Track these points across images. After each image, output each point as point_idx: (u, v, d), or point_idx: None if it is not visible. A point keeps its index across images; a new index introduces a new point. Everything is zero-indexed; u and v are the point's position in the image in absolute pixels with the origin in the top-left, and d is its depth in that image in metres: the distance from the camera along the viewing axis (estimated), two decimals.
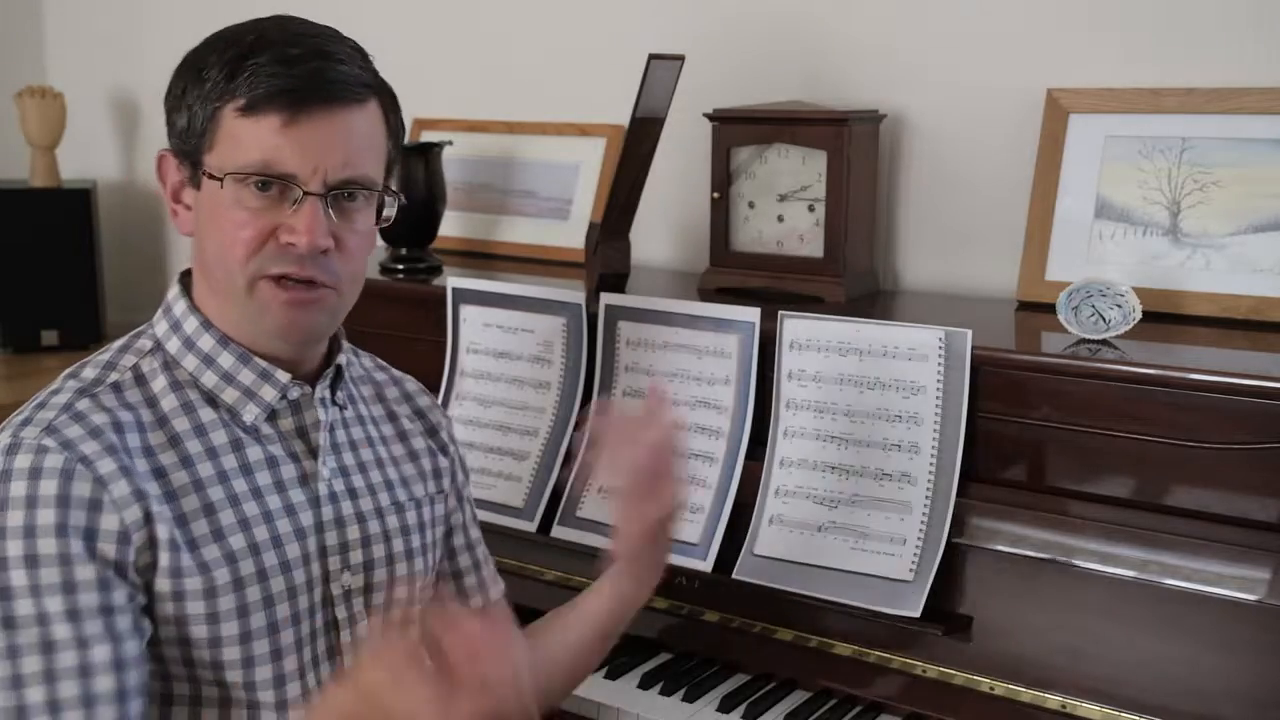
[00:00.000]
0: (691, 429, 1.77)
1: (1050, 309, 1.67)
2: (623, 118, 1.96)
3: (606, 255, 2.01)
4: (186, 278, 1.27)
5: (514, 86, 2.44)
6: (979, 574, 1.56)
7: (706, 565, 1.70)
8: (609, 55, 2.28)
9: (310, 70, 1.16)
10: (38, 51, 3.30)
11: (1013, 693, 1.50)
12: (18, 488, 1.08)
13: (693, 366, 1.78)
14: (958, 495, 1.57)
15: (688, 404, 1.78)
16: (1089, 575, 1.49)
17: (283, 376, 1.23)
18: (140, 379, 1.20)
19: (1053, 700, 1.47)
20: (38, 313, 2.90)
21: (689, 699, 1.60)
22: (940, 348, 1.60)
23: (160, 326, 1.24)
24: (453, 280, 2.00)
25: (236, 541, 1.17)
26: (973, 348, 1.58)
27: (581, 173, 2.32)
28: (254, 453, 1.21)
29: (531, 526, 1.85)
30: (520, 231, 2.37)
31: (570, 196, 2.33)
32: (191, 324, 1.22)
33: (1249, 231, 1.72)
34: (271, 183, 1.15)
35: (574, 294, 1.90)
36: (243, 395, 1.22)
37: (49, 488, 1.08)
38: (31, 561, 1.07)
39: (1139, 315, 1.59)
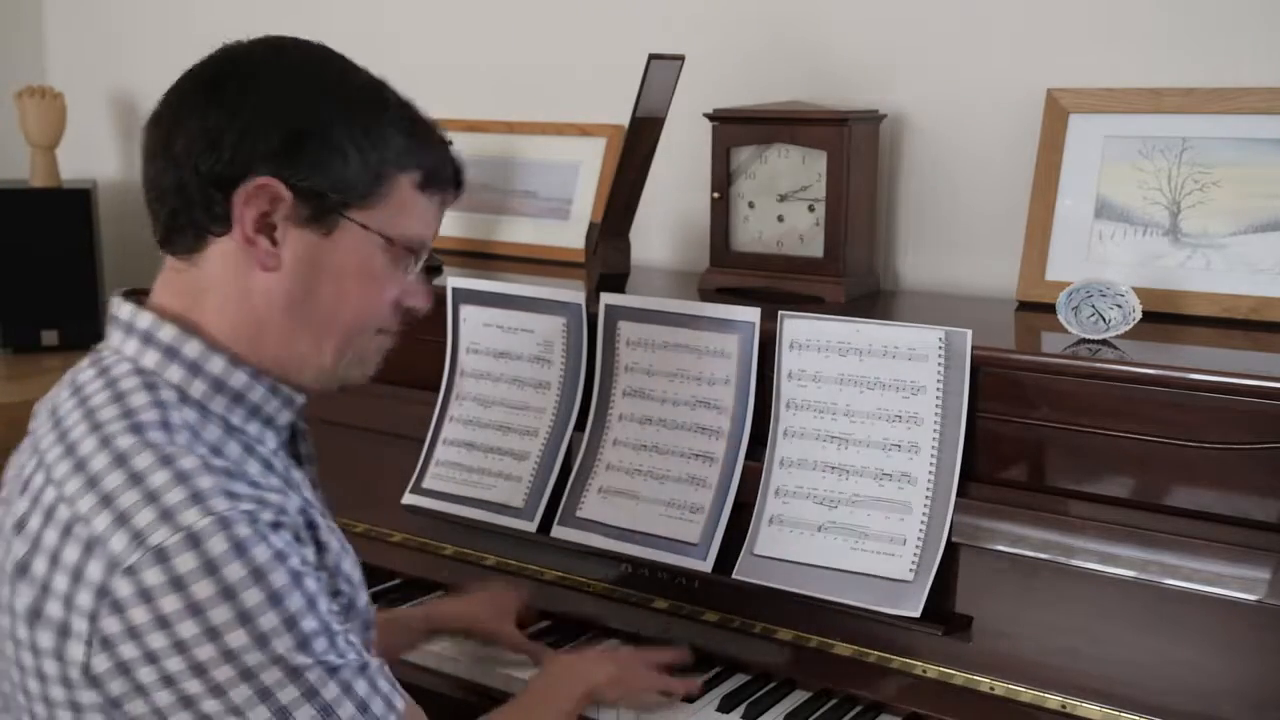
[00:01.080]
0: (691, 429, 1.77)
1: (1050, 309, 1.67)
2: (623, 118, 1.96)
3: (606, 255, 2.01)
4: (137, 303, 1.19)
5: (514, 86, 2.44)
6: (979, 574, 1.56)
7: (706, 565, 1.70)
8: (609, 55, 2.28)
9: (458, 159, 1.26)
10: (38, 51, 3.30)
11: (1013, 693, 1.50)
12: (261, 551, 1.06)
13: (693, 366, 1.78)
14: (958, 495, 1.57)
15: (688, 404, 1.78)
16: (1089, 575, 1.49)
17: (299, 398, 1.23)
18: (196, 435, 1.12)
19: (1053, 700, 1.48)
20: (38, 313, 2.90)
21: (689, 699, 1.60)
22: (940, 348, 1.60)
23: (172, 373, 1.15)
24: (453, 280, 2.00)
25: (348, 566, 1.22)
26: (973, 348, 1.58)
27: (581, 173, 2.32)
28: (296, 477, 1.22)
29: (531, 526, 1.85)
30: (520, 231, 2.37)
31: (570, 196, 2.33)
32: (217, 364, 1.16)
33: (1249, 231, 1.72)
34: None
35: (574, 294, 1.90)
36: (262, 425, 1.20)
37: (278, 541, 1.08)
38: (291, 622, 1.08)
39: (1139, 315, 1.59)
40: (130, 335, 1.16)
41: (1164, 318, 1.71)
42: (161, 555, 1.03)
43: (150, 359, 1.15)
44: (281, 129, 1.13)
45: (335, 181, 1.14)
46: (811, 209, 1.92)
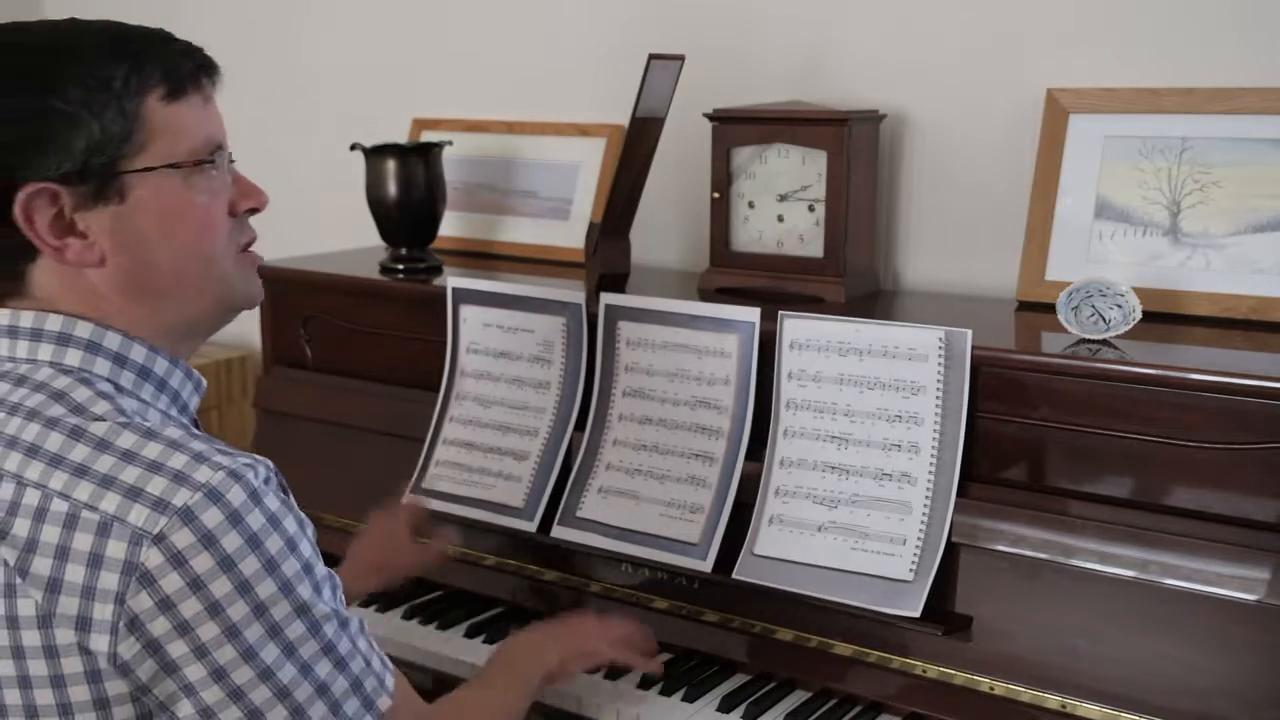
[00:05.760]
0: (691, 429, 1.77)
1: (1050, 309, 1.67)
2: (623, 118, 1.96)
3: (606, 255, 2.01)
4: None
5: (514, 86, 2.44)
6: (979, 574, 1.56)
7: (706, 565, 1.70)
8: (609, 55, 2.28)
9: (190, 46, 1.17)
10: None
11: (1013, 693, 1.50)
12: (271, 500, 1.07)
13: (693, 366, 1.78)
14: (958, 495, 1.58)
15: (688, 404, 1.78)
16: (1088, 575, 1.49)
17: (200, 377, 1.22)
18: (128, 416, 1.10)
19: (1053, 700, 1.48)
20: None
21: (689, 699, 1.60)
22: (940, 348, 1.60)
23: (100, 366, 1.13)
24: (453, 280, 2.00)
25: None
26: (973, 348, 1.58)
27: (581, 173, 2.32)
28: None
29: (531, 526, 1.85)
30: (520, 231, 2.37)
31: (570, 196, 2.33)
32: (139, 351, 1.15)
33: (1249, 231, 1.72)
34: (216, 159, 1.16)
35: (574, 294, 1.90)
36: (179, 412, 1.19)
37: (272, 501, 1.08)
38: (308, 568, 1.10)
39: (1139, 315, 1.59)
40: (40, 340, 1.12)
41: (1164, 318, 1.71)
42: (188, 515, 1.02)
43: (73, 358, 1.12)
44: (7, 135, 1.07)
45: (92, 149, 1.08)
46: (811, 209, 1.92)
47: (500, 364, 1.95)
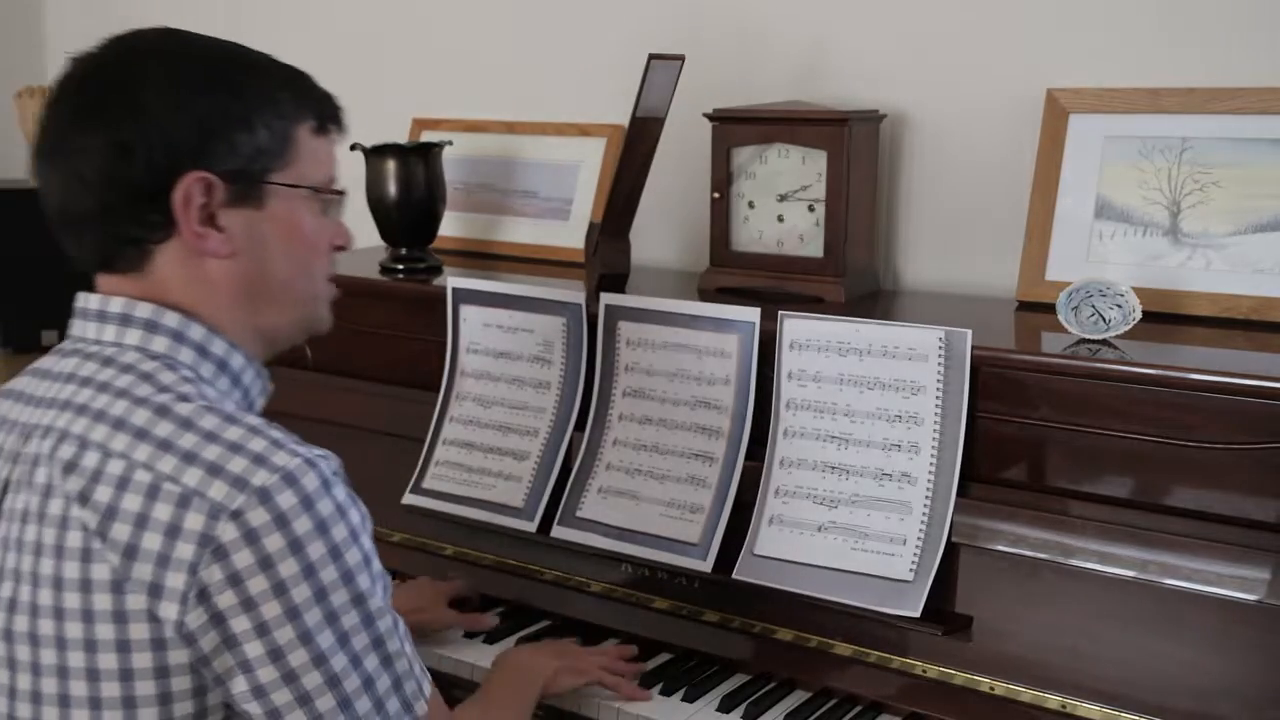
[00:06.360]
0: (691, 429, 1.77)
1: (1050, 309, 1.67)
2: (623, 118, 1.96)
3: (606, 255, 2.01)
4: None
5: (514, 86, 2.44)
6: (979, 574, 1.56)
7: (706, 565, 1.70)
8: (609, 55, 2.28)
9: (330, 94, 1.29)
10: (38, 51, 3.30)
11: (1013, 693, 1.50)
12: (339, 491, 1.12)
13: (693, 366, 1.78)
14: (958, 495, 1.58)
15: (688, 404, 1.78)
16: (1089, 575, 1.49)
17: (269, 379, 1.28)
18: (209, 401, 1.17)
19: (1053, 700, 1.48)
20: (38, 313, 2.90)
21: (689, 699, 1.60)
22: (940, 348, 1.60)
23: (184, 355, 1.19)
24: (453, 280, 2.00)
25: None
26: (973, 348, 1.58)
27: (581, 173, 2.32)
28: None
29: (531, 526, 1.85)
30: (520, 231, 2.37)
31: (570, 196, 2.33)
32: (219, 346, 1.22)
33: (1249, 231, 1.72)
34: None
35: (574, 294, 1.90)
36: (241, 397, 1.24)
37: (340, 492, 1.13)
38: (367, 560, 1.14)
39: (1139, 315, 1.59)
40: (129, 325, 1.19)
41: (1164, 318, 1.71)
42: (265, 495, 1.07)
43: (160, 344, 1.18)
44: (188, 123, 1.16)
45: (253, 155, 1.18)
46: (811, 209, 1.92)
47: (500, 364, 1.95)
